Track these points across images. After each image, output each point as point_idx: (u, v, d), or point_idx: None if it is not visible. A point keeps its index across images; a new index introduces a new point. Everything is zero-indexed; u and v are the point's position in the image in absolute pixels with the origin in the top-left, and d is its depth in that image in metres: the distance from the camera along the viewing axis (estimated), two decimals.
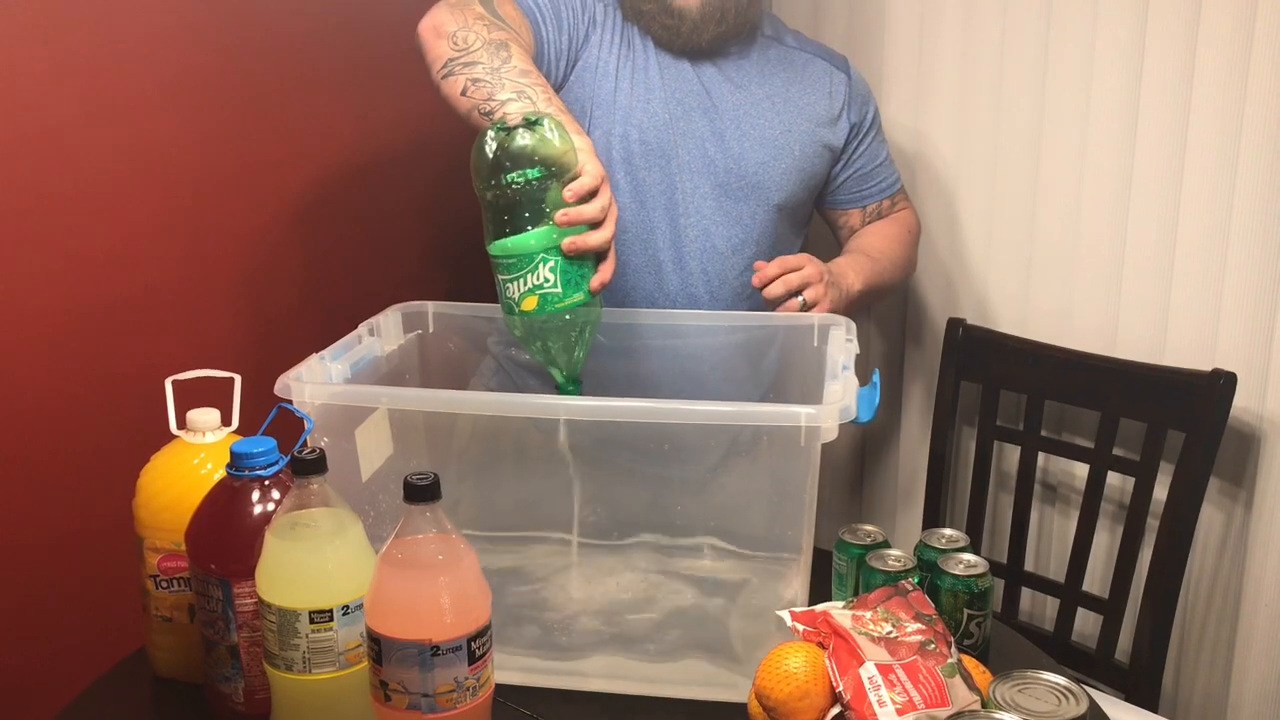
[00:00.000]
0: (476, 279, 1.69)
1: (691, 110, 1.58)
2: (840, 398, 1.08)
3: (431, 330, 1.47)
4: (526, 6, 1.51)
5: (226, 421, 1.19)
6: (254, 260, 1.76)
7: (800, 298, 1.46)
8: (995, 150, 1.84)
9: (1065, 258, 1.78)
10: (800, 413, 1.05)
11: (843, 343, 1.30)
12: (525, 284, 1.18)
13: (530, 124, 1.18)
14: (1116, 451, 1.70)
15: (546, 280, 1.18)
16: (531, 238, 1.18)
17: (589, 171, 1.21)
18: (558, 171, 1.18)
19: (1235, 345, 1.60)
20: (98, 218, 1.58)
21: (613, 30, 1.58)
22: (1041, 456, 1.81)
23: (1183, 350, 1.65)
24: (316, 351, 1.25)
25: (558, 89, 1.52)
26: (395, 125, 1.91)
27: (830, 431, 1.05)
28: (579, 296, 1.20)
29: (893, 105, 1.95)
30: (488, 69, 1.33)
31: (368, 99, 1.86)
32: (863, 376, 1.20)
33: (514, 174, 1.16)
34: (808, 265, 1.49)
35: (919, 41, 1.90)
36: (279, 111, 1.74)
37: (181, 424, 1.18)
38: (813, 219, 1.77)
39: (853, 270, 1.58)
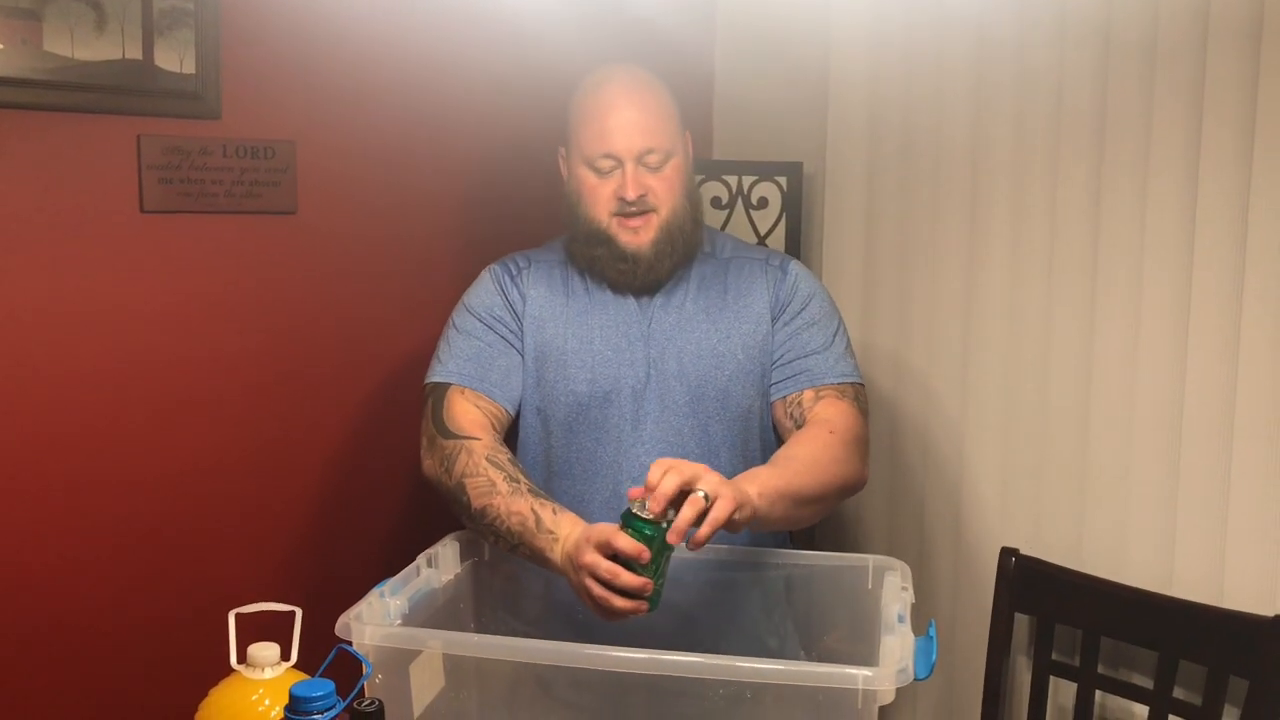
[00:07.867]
0: None
1: (633, 341, 1.58)
2: (898, 658, 1.07)
3: (487, 558, 1.48)
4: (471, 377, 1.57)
5: (285, 656, 1.20)
6: (313, 478, 1.81)
7: (699, 491, 1.27)
8: (1045, 377, 1.86)
9: (1118, 489, 1.78)
10: (857, 675, 1.04)
11: (898, 590, 1.29)
12: None
13: None
14: (1177, 694, 1.66)
15: None
16: None
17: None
18: None
19: None
20: (161, 438, 1.64)
21: (544, 283, 1.62)
22: (1099, 694, 1.77)
23: (1243, 591, 1.63)
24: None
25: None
26: None
27: (888, 695, 1.04)
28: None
29: (941, 339, 2.00)
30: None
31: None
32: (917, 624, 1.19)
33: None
34: (694, 466, 1.30)
35: (969, 271, 1.96)
36: (350, 339, 1.82)
37: (242, 658, 1.19)
38: None
39: (748, 480, 1.37)
